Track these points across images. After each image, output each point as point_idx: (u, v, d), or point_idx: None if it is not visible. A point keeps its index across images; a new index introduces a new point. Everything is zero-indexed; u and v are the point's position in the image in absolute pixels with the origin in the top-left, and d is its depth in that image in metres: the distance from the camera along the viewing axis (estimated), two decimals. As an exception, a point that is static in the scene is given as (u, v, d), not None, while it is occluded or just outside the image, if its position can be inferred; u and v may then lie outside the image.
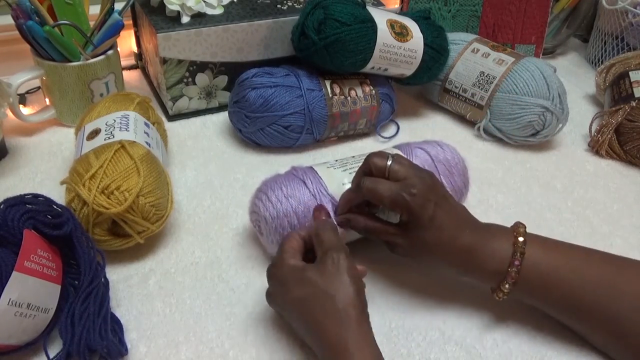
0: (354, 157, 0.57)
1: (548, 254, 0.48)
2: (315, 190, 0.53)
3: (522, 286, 0.47)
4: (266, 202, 0.52)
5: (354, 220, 0.51)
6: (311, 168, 0.55)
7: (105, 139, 0.56)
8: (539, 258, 0.47)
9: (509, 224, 0.64)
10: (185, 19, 0.70)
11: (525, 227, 0.49)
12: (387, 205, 0.47)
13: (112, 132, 0.57)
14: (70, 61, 0.68)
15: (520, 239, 0.48)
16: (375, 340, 0.43)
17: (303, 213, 0.52)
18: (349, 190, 0.52)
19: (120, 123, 0.58)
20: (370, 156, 0.49)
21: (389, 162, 0.48)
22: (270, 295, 0.48)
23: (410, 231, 0.48)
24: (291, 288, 0.45)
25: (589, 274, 0.47)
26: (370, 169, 0.49)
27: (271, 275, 0.48)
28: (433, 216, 0.47)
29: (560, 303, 0.48)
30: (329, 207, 0.52)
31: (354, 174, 0.51)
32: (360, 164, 0.51)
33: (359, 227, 0.51)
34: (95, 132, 0.57)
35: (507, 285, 0.47)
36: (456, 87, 0.78)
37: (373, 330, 0.44)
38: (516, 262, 0.47)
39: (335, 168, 0.55)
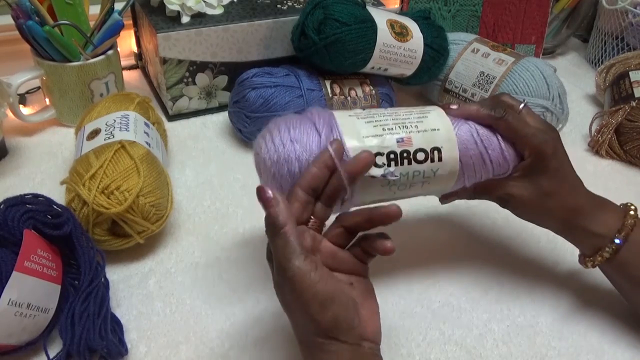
0: (385, 110, 0.50)
1: None
2: (327, 138, 0.46)
3: (619, 259, 0.48)
4: (269, 143, 0.46)
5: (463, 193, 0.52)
6: (330, 113, 0.48)
7: (105, 139, 0.56)
8: None
9: (508, 222, 0.64)
10: (185, 19, 0.70)
11: (637, 209, 0.50)
12: (520, 141, 0.48)
13: (112, 132, 0.57)
14: (70, 61, 0.68)
15: (631, 214, 0.48)
16: None
17: (307, 160, 0.46)
18: (478, 107, 0.49)
19: (120, 123, 0.58)
20: (502, 94, 0.50)
21: (522, 106, 0.49)
22: None
23: (531, 178, 0.49)
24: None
25: None
26: (499, 105, 0.49)
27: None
28: (560, 166, 0.49)
29: None
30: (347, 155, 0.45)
31: (379, 129, 0.47)
32: (391, 120, 0.47)
33: (471, 196, 0.52)
34: (95, 132, 0.57)
35: (605, 254, 0.48)
36: (456, 87, 0.78)
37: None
38: (623, 234, 0.47)
39: (359, 118, 0.48)
